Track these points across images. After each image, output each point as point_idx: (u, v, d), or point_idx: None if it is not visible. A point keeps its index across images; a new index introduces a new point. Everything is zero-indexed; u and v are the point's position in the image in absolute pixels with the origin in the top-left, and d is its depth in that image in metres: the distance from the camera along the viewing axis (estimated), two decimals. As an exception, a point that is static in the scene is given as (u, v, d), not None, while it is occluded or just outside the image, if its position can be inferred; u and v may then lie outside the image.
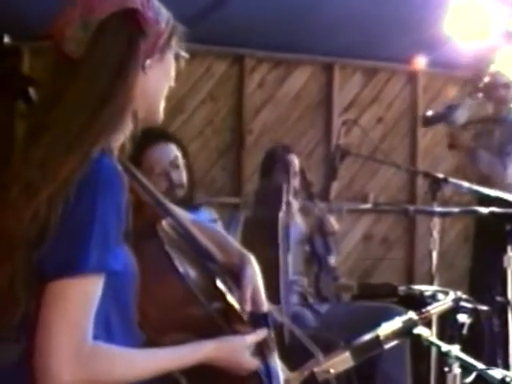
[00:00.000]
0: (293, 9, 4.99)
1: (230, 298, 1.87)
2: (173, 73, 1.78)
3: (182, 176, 3.45)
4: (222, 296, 1.86)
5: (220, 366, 1.75)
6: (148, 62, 1.68)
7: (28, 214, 1.52)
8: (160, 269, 1.76)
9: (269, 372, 1.81)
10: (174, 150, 3.45)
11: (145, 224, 1.73)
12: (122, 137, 1.70)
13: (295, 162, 4.19)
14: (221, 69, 5.96)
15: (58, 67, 1.65)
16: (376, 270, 6.21)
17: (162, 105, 1.77)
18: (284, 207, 3.62)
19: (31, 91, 1.80)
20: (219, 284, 1.87)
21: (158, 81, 1.74)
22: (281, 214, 3.59)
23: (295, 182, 4.10)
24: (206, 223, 2.30)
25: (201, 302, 1.76)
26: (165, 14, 1.73)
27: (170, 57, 1.76)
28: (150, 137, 3.26)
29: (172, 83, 1.78)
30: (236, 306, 1.86)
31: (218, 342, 1.75)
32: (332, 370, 1.80)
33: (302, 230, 4.10)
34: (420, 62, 5.85)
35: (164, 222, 1.85)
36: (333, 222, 4.17)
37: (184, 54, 1.78)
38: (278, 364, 1.89)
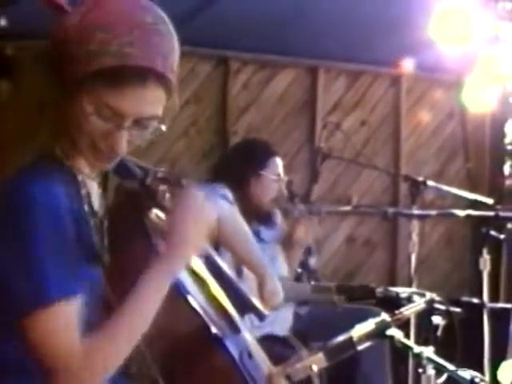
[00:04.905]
0: (278, 12, 4.99)
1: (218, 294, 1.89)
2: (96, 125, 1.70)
3: None
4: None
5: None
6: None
7: None
8: None
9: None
10: None
11: (133, 222, 1.73)
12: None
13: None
14: (205, 70, 5.96)
15: None
16: (359, 273, 6.22)
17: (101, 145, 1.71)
18: None
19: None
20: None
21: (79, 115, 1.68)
22: None
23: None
24: None
25: (189, 301, 1.77)
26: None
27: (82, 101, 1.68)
28: None
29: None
30: (226, 305, 1.89)
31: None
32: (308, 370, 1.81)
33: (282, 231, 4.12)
34: (406, 66, 5.87)
35: (153, 212, 1.85)
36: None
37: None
38: (262, 357, 1.91)
